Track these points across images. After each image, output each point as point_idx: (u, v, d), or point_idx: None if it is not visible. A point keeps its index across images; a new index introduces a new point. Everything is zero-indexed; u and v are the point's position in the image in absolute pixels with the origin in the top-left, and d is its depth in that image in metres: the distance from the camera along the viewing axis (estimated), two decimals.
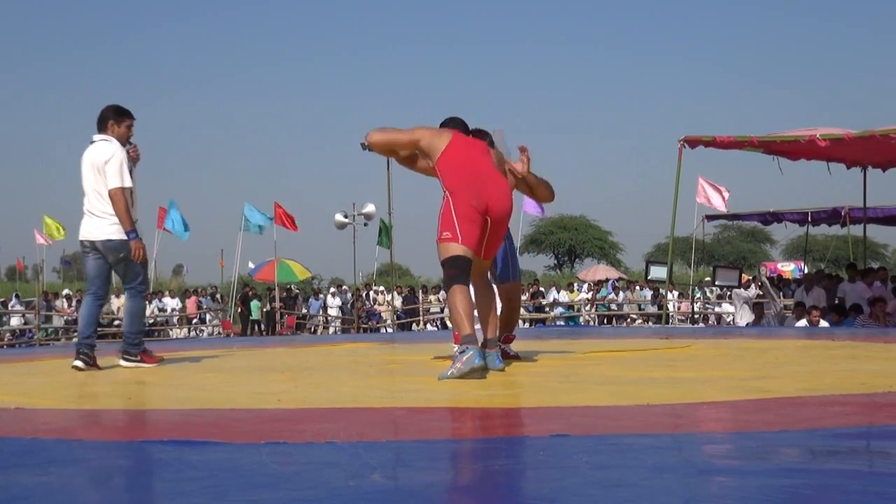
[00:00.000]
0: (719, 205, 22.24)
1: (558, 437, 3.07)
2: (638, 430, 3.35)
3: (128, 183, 6.72)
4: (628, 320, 28.96)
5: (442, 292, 31.27)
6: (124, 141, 6.93)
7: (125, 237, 6.68)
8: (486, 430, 3.67)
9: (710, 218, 25.94)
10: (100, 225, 6.72)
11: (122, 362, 6.83)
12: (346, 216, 29.01)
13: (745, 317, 17.62)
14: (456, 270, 5.49)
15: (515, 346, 6.60)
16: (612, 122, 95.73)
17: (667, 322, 20.68)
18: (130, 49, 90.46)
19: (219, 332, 29.29)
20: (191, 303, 31.39)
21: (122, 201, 6.64)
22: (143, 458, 2.83)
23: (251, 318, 29.20)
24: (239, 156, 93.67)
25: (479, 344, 5.52)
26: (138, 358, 6.83)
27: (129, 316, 6.84)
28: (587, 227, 59.07)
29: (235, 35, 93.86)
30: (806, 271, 28.70)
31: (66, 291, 33.25)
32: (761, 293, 18.48)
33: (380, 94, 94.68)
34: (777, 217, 25.83)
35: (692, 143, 15.38)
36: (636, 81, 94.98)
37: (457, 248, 5.47)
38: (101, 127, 6.88)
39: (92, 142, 6.86)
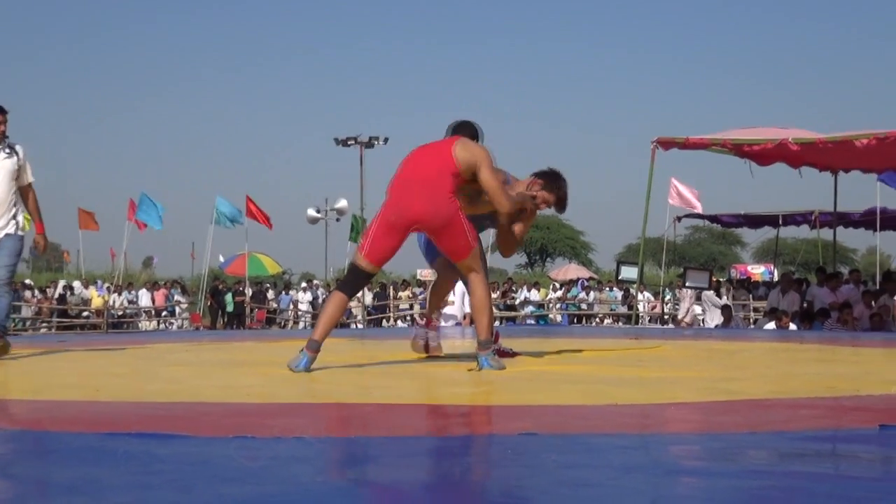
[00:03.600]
0: (695, 204, 22.35)
1: (526, 435, 3.07)
2: (606, 429, 3.35)
3: None
4: (597, 320, 29.06)
5: (416, 288, 31.29)
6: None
7: None
8: (455, 427, 3.67)
9: (682, 219, 26.07)
10: None
11: None
12: (318, 211, 29.04)
13: (714, 319, 17.73)
14: (348, 277, 5.86)
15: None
16: (585, 122, 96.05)
17: (637, 322, 20.76)
18: (104, 41, 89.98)
19: (188, 325, 29.15)
20: (159, 295, 31.23)
21: None
22: (110, 451, 2.81)
23: (227, 311, 29.04)
24: (211, 148, 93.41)
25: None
26: None
27: None
28: (559, 226, 59.23)
29: (209, 29, 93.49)
30: (776, 274, 28.89)
31: (27, 281, 33.00)
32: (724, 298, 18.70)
33: (354, 88, 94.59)
34: (747, 220, 26.01)
35: (665, 144, 15.42)
36: (610, 81, 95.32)
37: (358, 259, 5.69)
38: None
39: None
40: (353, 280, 5.81)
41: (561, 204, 6.07)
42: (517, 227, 6.00)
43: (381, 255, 5.66)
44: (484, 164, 5.63)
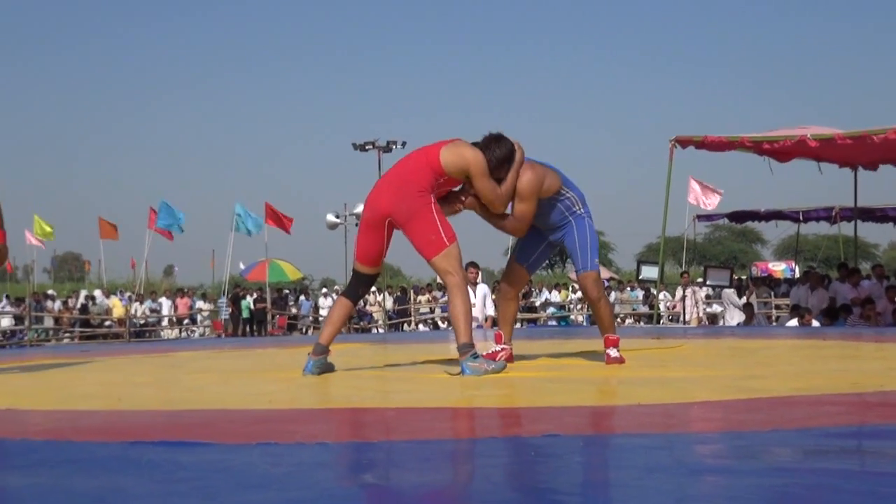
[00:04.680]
0: (709, 204, 22.30)
1: (549, 436, 3.07)
2: (629, 429, 3.35)
3: None
4: (619, 320, 29.00)
5: (437, 292, 31.31)
6: None
7: None
8: (477, 430, 3.67)
9: (702, 218, 25.98)
10: None
11: None
12: (337, 216, 29.05)
13: (735, 317, 17.65)
14: (350, 280, 6.07)
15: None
16: (603, 122, 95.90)
17: (658, 322, 20.70)
18: (123, 48, 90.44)
19: (210, 333, 29.23)
20: (182, 304, 31.33)
21: None
22: (134, 460, 2.82)
23: (242, 317, 29.08)
24: (230, 156, 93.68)
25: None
26: None
27: None
28: None
29: (227, 34, 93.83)
30: (797, 271, 28.75)
31: (50, 291, 33.21)
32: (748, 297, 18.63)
33: (371, 92, 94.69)
34: (767, 216, 25.90)
35: (683, 142, 15.38)
36: (628, 80, 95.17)
37: (354, 262, 5.92)
38: None
39: None
40: (352, 282, 5.99)
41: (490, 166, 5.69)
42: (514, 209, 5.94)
43: (365, 253, 5.79)
44: (476, 170, 5.61)
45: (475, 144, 5.76)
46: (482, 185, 5.65)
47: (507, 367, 5.57)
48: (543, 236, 6.26)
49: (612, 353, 6.17)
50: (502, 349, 6.15)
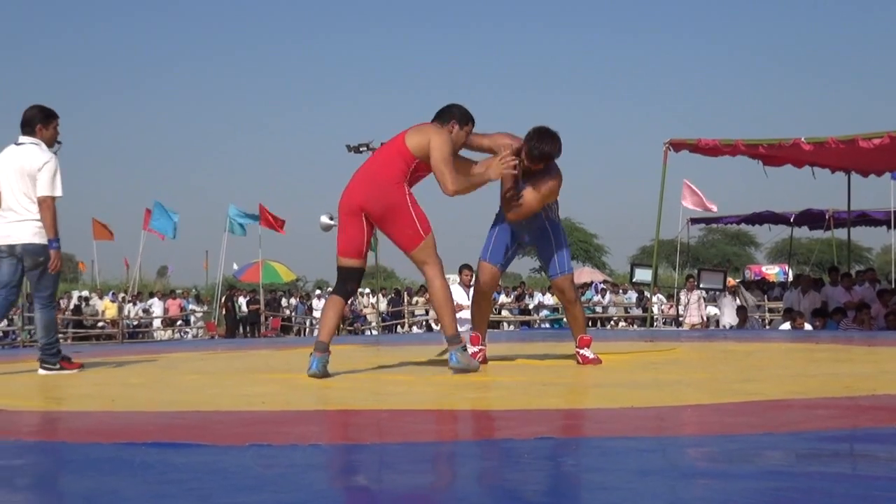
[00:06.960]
0: (703, 207, 22.30)
1: (542, 439, 3.07)
2: (622, 432, 3.35)
3: (59, 192, 6.64)
4: (612, 322, 29.02)
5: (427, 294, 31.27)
6: (52, 143, 6.82)
7: (46, 243, 6.64)
8: (471, 432, 3.67)
9: (695, 221, 25.97)
10: (22, 228, 6.62)
11: (41, 371, 6.66)
12: (331, 218, 28.91)
13: (730, 313, 17.67)
14: (337, 280, 5.91)
15: (500, 349, 6.44)
16: (597, 125, 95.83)
17: (651, 325, 20.71)
18: (116, 47, 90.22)
19: (203, 334, 29.16)
20: (174, 305, 31.24)
21: (53, 210, 6.60)
22: (127, 461, 2.81)
23: (237, 318, 28.96)
24: (224, 156, 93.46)
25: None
26: (58, 366, 6.67)
27: (43, 328, 6.74)
28: (572, 229, 59.06)
29: (221, 38, 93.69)
30: (790, 274, 28.77)
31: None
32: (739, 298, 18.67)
33: (365, 94, 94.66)
34: (761, 219, 25.89)
35: (677, 146, 15.39)
36: (622, 83, 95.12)
37: (338, 258, 5.82)
38: (29, 130, 6.72)
39: (18, 143, 6.71)
40: (339, 280, 5.89)
41: (527, 154, 5.84)
42: (525, 194, 5.95)
43: (344, 245, 5.77)
44: (435, 144, 5.65)
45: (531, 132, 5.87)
46: (436, 159, 5.63)
47: (480, 369, 5.69)
48: (515, 237, 6.27)
49: (589, 353, 6.29)
50: (479, 350, 6.24)
